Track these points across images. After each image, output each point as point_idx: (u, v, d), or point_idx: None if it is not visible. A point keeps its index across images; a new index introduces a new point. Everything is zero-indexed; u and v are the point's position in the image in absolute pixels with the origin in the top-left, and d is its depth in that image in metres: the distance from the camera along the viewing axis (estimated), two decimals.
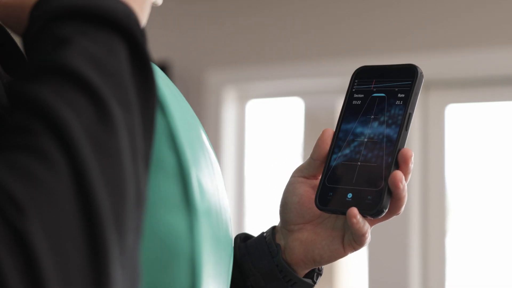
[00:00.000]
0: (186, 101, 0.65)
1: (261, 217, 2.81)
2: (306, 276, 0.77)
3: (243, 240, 0.80)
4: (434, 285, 2.44)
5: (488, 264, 2.45)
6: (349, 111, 0.75)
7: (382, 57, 2.45)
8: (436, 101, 2.50)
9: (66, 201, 0.39)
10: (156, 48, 2.86)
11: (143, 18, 0.53)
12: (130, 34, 0.47)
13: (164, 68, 2.79)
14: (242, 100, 2.88)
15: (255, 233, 0.82)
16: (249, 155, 2.86)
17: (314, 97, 2.84)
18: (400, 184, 0.67)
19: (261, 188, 2.88)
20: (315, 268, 0.77)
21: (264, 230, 0.79)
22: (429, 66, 2.39)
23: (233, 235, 0.68)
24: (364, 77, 0.75)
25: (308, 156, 0.76)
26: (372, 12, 2.56)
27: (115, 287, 0.39)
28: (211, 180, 0.60)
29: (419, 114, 2.49)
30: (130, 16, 0.47)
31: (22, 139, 0.40)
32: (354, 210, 0.68)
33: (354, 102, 0.75)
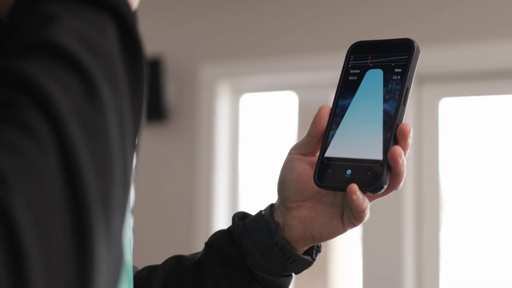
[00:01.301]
0: None
1: (255, 211, 2.80)
2: (305, 253, 0.77)
3: (241, 218, 0.79)
4: (428, 279, 2.44)
5: (482, 258, 2.46)
6: (345, 87, 0.74)
7: None
8: (430, 95, 2.50)
9: (51, 175, 0.38)
10: (149, 42, 2.84)
11: (134, 1, 0.53)
12: (120, 15, 0.46)
13: (157, 63, 2.79)
14: (236, 94, 2.87)
15: (253, 212, 0.81)
16: (243, 149, 2.85)
17: (308, 91, 2.84)
18: (399, 159, 0.67)
19: (255, 182, 2.87)
20: (314, 245, 0.77)
21: (262, 208, 0.78)
22: (423, 59, 2.38)
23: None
24: (360, 52, 0.75)
25: (306, 134, 0.75)
26: (366, 5, 2.56)
27: (98, 266, 0.38)
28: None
29: (413, 108, 2.49)
30: None
31: (8, 112, 0.39)
32: (354, 187, 0.67)
33: (351, 78, 0.74)
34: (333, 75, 2.56)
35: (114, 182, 0.41)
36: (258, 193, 2.87)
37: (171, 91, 2.84)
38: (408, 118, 2.45)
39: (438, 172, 2.48)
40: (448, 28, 2.43)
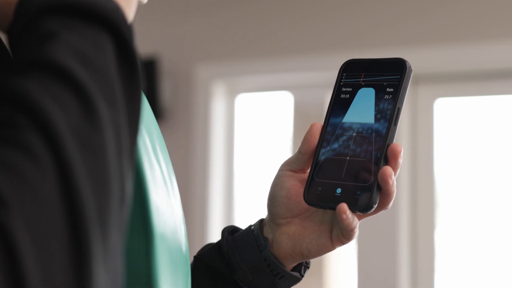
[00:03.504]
0: (150, 114, 0.64)
1: (251, 212, 2.81)
2: (294, 269, 0.77)
3: (230, 233, 0.80)
4: (423, 280, 2.45)
5: (477, 259, 2.46)
6: (337, 105, 0.74)
7: (371, 51, 2.45)
8: (425, 95, 2.51)
9: (50, 196, 0.38)
10: (144, 42, 2.84)
11: (130, 14, 0.53)
12: (117, 30, 0.46)
13: (152, 63, 2.78)
14: (232, 94, 2.87)
15: (243, 226, 0.81)
16: (239, 150, 2.85)
17: (304, 91, 2.84)
18: (389, 179, 0.67)
19: (251, 183, 2.87)
20: (302, 262, 0.77)
21: (252, 223, 0.79)
22: (418, 60, 2.39)
23: (190, 252, 0.68)
24: (352, 70, 0.75)
25: (297, 151, 0.75)
26: (361, 5, 2.56)
27: (96, 282, 0.39)
28: (167, 201, 0.59)
29: (408, 109, 2.49)
30: (117, 12, 0.47)
31: (6, 133, 0.39)
32: (344, 206, 0.68)
33: (342, 95, 0.74)
34: (329, 75, 2.57)
35: (111, 199, 0.41)
36: (253, 193, 2.87)
37: (167, 91, 2.84)
38: (403, 118, 2.46)
39: (433, 172, 2.48)
40: (443, 28, 2.43)
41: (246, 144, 2.89)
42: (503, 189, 2.43)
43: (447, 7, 2.43)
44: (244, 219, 2.77)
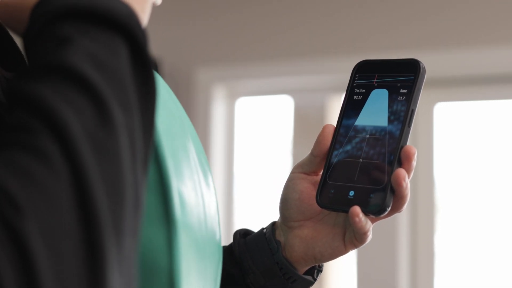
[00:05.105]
0: (178, 107, 0.63)
1: (250, 216, 2.81)
2: (306, 273, 0.76)
3: (242, 236, 0.79)
4: (423, 284, 2.45)
5: (477, 262, 2.46)
6: (350, 106, 0.73)
7: (370, 55, 2.44)
8: (425, 100, 2.51)
9: (64, 201, 0.38)
10: None
11: (144, 18, 0.53)
12: (131, 35, 0.46)
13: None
14: (232, 98, 2.87)
15: (254, 228, 0.81)
16: (239, 153, 2.85)
17: (304, 95, 2.83)
18: (403, 182, 0.66)
19: (251, 186, 2.87)
20: (315, 265, 0.77)
21: (264, 226, 0.78)
22: None
23: (221, 240, 0.66)
24: (365, 71, 0.74)
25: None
26: (361, 9, 2.56)
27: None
28: (195, 191, 0.58)
29: None
30: (131, 17, 0.47)
31: (21, 137, 0.39)
32: (357, 209, 0.67)
33: (355, 97, 0.73)
34: (329, 79, 2.58)
35: (125, 204, 0.41)
36: (253, 196, 2.86)
37: None
38: None
39: (433, 176, 2.48)
40: (443, 32, 2.44)
41: (246, 147, 2.88)
42: (503, 193, 2.43)
43: (446, 11, 2.43)
44: (244, 223, 2.76)
